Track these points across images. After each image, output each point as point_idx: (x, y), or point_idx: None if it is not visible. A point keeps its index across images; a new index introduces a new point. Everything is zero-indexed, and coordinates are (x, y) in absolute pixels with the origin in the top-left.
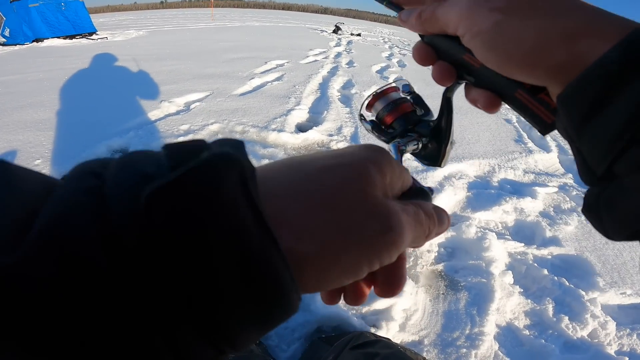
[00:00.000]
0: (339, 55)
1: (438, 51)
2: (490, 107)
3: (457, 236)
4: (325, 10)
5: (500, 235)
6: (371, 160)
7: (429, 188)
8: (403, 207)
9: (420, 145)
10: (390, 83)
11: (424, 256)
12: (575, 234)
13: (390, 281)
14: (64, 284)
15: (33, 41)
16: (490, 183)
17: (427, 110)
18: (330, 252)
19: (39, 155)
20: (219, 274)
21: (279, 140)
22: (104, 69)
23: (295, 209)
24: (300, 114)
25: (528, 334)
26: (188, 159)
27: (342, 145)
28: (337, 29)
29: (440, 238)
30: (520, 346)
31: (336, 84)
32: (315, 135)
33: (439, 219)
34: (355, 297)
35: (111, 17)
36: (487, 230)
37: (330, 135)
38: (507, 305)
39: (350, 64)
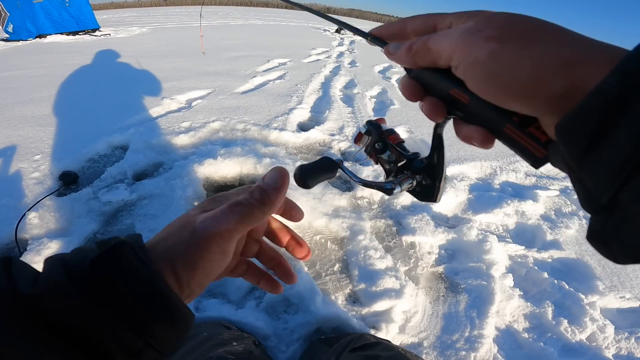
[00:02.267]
0: (341, 54)
1: (426, 86)
2: (486, 143)
3: (458, 238)
4: (328, 10)
5: (501, 238)
6: (193, 208)
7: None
8: (215, 210)
9: (414, 183)
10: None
11: (425, 258)
12: (576, 237)
13: (291, 249)
14: (63, 308)
15: (36, 37)
16: (492, 185)
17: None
18: (182, 264)
19: (38, 151)
20: (127, 295)
21: (280, 139)
22: (106, 65)
23: (159, 252)
24: (302, 113)
25: (527, 337)
26: (107, 245)
27: (343, 145)
28: (339, 29)
29: (441, 240)
30: (519, 349)
31: (338, 84)
32: (316, 135)
33: (261, 191)
34: (282, 275)
35: (114, 13)
36: (488, 233)
37: (332, 134)
38: (507, 308)
39: (352, 63)
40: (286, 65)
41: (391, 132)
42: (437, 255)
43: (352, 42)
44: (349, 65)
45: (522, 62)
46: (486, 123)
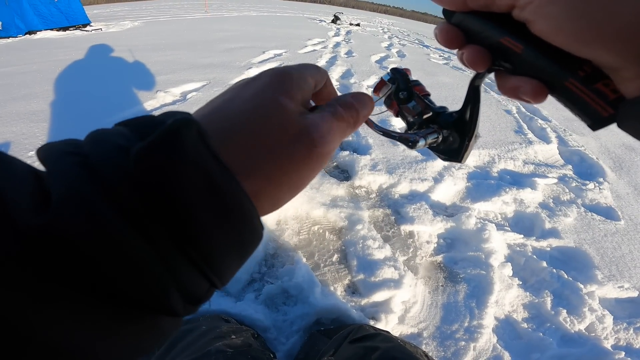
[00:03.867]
0: (337, 45)
1: (469, 33)
2: (538, 96)
3: (457, 227)
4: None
5: (499, 227)
6: (279, 91)
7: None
8: (321, 116)
9: (440, 138)
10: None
11: (423, 247)
12: (574, 226)
13: None
14: (93, 234)
15: (26, 33)
16: (490, 174)
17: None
18: (274, 181)
19: (32, 147)
20: (195, 204)
21: None
22: (99, 60)
23: (241, 154)
24: None
25: (526, 326)
26: (150, 131)
27: None
28: (335, 19)
29: (440, 229)
30: (518, 339)
31: (335, 74)
32: None
33: (359, 103)
34: None
35: (105, 8)
36: (486, 221)
37: None
38: (506, 298)
39: (349, 53)
40: (282, 56)
41: (417, 83)
42: (435, 245)
43: (348, 32)
44: (346, 56)
45: (627, 0)
46: (542, 75)
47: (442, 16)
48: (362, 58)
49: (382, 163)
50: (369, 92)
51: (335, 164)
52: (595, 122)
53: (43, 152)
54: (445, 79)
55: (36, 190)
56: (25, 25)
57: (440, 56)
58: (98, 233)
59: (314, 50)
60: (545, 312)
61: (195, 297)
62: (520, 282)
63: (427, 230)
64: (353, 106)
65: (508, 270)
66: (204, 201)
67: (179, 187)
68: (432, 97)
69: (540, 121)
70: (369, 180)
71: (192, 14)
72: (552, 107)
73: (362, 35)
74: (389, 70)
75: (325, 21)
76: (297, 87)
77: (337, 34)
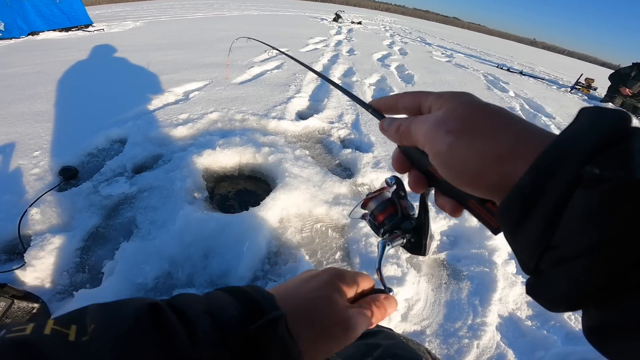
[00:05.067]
0: (339, 43)
1: (411, 160)
2: (455, 212)
3: (460, 224)
4: None
5: None
6: (334, 289)
7: (388, 288)
8: (359, 310)
9: (405, 240)
10: (382, 187)
11: None
12: None
13: None
14: None
15: (28, 34)
16: None
17: (403, 211)
18: (318, 351)
19: (37, 147)
20: None
21: (279, 127)
22: (101, 60)
23: (304, 337)
24: (301, 102)
25: (530, 324)
26: (255, 310)
27: (342, 132)
28: (337, 17)
29: (443, 226)
30: (522, 337)
31: (337, 72)
32: (315, 123)
33: (387, 306)
34: None
35: (107, 8)
36: None
37: (331, 122)
38: (510, 295)
39: (351, 52)
40: (283, 55)
41: (390, 202)
42: (438, 242)
43: (350, 31)
44: (348, 54)
45: (470, 156)
46: (456, 197)
47: (443, 15)
48: (364, 56)
49: (384, 160)
50: (371, 90)
51: (337, 161)
52: (492, 231)
53: (181, 303)
54: (448, 76)
55: (189, 332)
56: (28, 26)
57: (442, 53)
58: None
59: (316, 48)
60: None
61: None
62: (524, 280)
63: (430, 227)
64: (383, 307)
65: (512, 267)
66: None
67: (268, 355)
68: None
69: (544, 118)
70: (372, 177)
71: (193, 14)
72: (555, 104)
73: (364, 33)
74: (391, 183)
75: (326, 20)
76: (347, 287)
77: (338, 32)
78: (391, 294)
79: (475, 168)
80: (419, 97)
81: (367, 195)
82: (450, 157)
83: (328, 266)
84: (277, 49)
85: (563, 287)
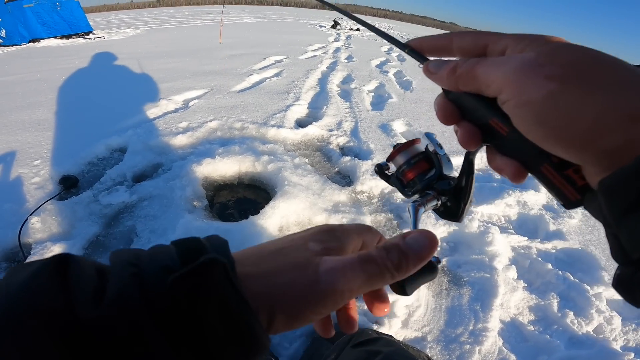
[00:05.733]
0: (338, 50)
1: (463, 110)
2: (518, 177)
3: (460, 230)
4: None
5: (503, 229)
6: (313, 238)
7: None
8: (339, 258)
9: (439, 203)
10: (415, 139)
11: None
12: (579, 227)
13: (372, 305)
14: (127, 337)
15: (30, 41)
16: (492, 176)
17: (442, 168)
18: (284, 309)
19: (37, 156)
20: (213, 326)
21: (278, 136)
22: (102, 68)
23: (260, 285)
24: (300, 110)
25: (532, 329)
26: (192, 257)
27: (342, 140)
28: (335, 24)
29: (443, 232)
30: (525, 342)
31: (335, 79)
32: (314, 131)
33: (414, 246)
34: (344, 325)
35: (107, 16)
36: (489, 224)
37: (330, 130)
38: (511, 301)
39: (349, 58)
40: (282, 62)
41: (424, 156)
42: (439, 248)
43: (348, 37)
44: (346, 61)
45: (584, 110)
46: (522, 158)
47: (440, 20)
48: (362, 63)
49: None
50: (369, 97)
51: (336, 169)
52: (567, 204)
53: (114, 257)
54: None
55: (98, 287)
56: (29, 33)
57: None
58: (133, 333)
59: (315, 55)
60: (551, 314)
61: None
62: (526, 285)
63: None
64: (398, 248)
65: (513, 272)
66: (221, 323)
67: (200, 311)
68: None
69: None
70: (371, 185)
71: (192, 22)
72: None
73: (362, 39)
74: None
75: (325, 26)
76: (335, 239)
77: (337, 39)
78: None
79: (587, 127)
80: (485, 36)
81: (394, 146)
82: (548, 109)
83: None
84: (350, 16)
85: None
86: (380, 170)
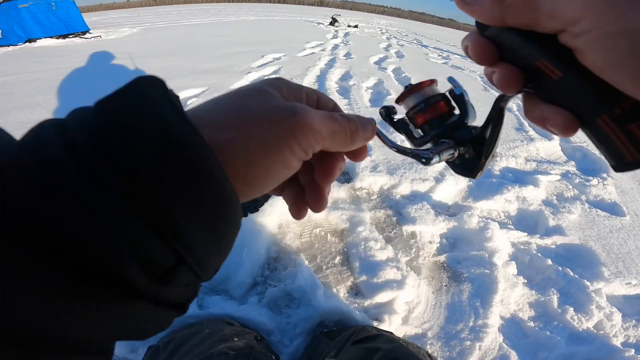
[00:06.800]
0: (336, 47)
1: (503, 50)
2: (568, 130)
3: (459, 226)
4: (321, 3)
5: (502, 225)
6: (268, 85)
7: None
8: (314, 110)
9: (456, 154)
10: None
11: (426, 247)
12: (579, 222)
13: (324, 171)
14: (40, 175)
15: (26, 42)
16: (492, 172)
17: (467, 113)
18: (247, 136)
19: None
20: (150, 155)
21: None
22: (99, 67)
23: (214, 116)
24: None
25: (533, 325)
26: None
27: None
28: (333, 21)
29: (442, 229)
30: (525, 338)
31: (334, 76)
32: None
33: (360, 122)
34: (313, 198)
35: (104, 15)
36: (489, 220)
37: None
38: (511, 297)
39: (347, 55)
40: (281, 59)
41: (441, 98)
42: (438, 245)
43: (346, 34)
44: (344, 57)
45: None
46: (576, 107)
47: (439, 16)
48: (360, 59)
49: (382, 164)
50: (368, 93)
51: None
52: (619, 165)
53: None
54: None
55: (12, 140)
56: (25, 33)
57: (439, 55)
58: (47, 172)
59: (313, 53)
60: (552, 311)
61: (159, 269)
62: (526, 281)
63: (430, 230)
64: (353, 120)
65: (512, 268)
66: (161, 152)
67: (134, 136)
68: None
69: None
70: (370, 181)
71: (189, 20)
72: None
73: (361, 36)
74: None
75: (323, 24)
76: (288, 88)
77: (335, 36)
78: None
79: None
80: None
81: (406, 87)
82: None
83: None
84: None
85: None
86: (387, 113)
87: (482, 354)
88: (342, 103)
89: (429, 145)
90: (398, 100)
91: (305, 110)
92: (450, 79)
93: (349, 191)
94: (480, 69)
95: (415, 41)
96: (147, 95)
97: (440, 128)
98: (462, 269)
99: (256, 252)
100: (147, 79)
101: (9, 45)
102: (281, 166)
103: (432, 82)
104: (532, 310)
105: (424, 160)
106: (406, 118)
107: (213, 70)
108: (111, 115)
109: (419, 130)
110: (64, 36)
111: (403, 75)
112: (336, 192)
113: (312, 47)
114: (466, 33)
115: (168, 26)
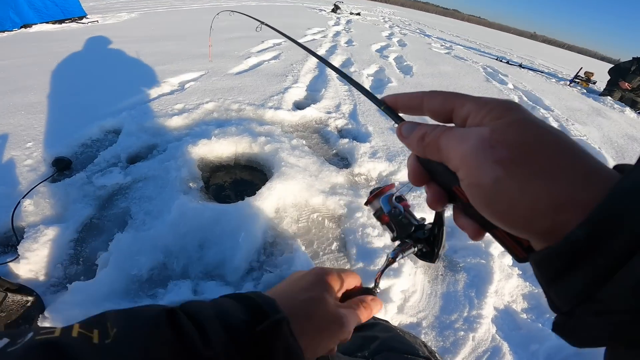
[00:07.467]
0: (337, 34)
1: (432, 175)
2: (477, 237)
3: None
4: None
5: None
6: (323, 287)
7: (376, 290)
8: (348, 308)
9: (416, 249)
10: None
11: None
12: None
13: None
14: None
15: (21, 27)
16: None
17: (404, 228)
18: (317, 347)
19: (30, 138)
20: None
21: (275, 117)
22: (96, 51)
23: (304, 335)
24: (298, 92)
25: (525, 317)
26: (258, 313)
27: (340, 122)
28: (336, 8)
29: None
30: (518, 330)
31: (335, 63)
32: (313, 113)
33: (373, 307)
34: None
35: (101, 0)
36: None
37: (329, 112)
38: (506, 288)
39: (349, 42)
40: (281, 45)
41: (403, 198)
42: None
43: (348, 22)
44: (346, 44)
45: (521, 197)
46: (480, 222)
47: (443, 7)
48: (362, 47)
49: (382, 150)
50: (369, 80)
51: (334, 151)
52: (517, 260)
53: (193, 309)
54: (446, 67)
55: (201, 334)
56: (20, 19)
57: (442, 45)
58: None
59: (314, 39)
60: (544, 303)
61: None
62: (520, 272)
63: (428, 218)
64: (369, 308)
65: (508, 259)
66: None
67: (274, 351)
68: (435, 87)
69: (542, 110)
70: (369, 167)
71: (189, 5)
72: (554, 97)
73: (363, 24)
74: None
75: (325, 10)
76: (334, 284)
77: (337, 23)
78: (377, 294)
79: (524, 213)
80: (452, 100)
81: (371, 192)
82: (494, 195)
83: (314, 267)
84: (267, 25)
85: (603, 334)
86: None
87: (475, 345)
88: (342, 89)
89: (397, 244)
90: (366, 203)
91: (349, 322)
92: (383, 199)
93: (348, 176)
94: (483, 60)
95: (418, 30)
96: (283, 333)
97: (401, 229)
98: (459, 258)
99: (253, 237)
100: (281, 319)
101: (3, 31)
102: (326, 351)
103: (392, 186)
104: (525, 302)
105: (391, 259)
106: (374, 216)
107: (212, 55)
108: (265, 347)
109: (389, 227)
110: (61, 21)
111: (405, 63)
112: (334, 177)
113: (314, 33)
114: (470, 24)
115: (167, 11)
